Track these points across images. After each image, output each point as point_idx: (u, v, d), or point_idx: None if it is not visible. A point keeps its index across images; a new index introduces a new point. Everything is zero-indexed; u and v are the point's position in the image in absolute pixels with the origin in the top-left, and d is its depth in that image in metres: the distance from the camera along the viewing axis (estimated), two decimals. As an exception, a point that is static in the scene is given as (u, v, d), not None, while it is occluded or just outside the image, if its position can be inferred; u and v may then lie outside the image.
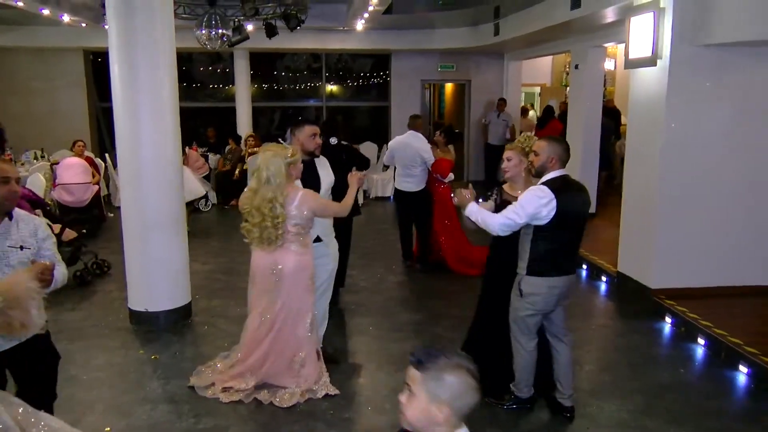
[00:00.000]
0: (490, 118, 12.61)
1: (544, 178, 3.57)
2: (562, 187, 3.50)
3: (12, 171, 2.86)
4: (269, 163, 3.84)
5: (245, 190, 4.08)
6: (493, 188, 4.12)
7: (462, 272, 6.86)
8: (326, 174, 4.53)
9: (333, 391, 4.15)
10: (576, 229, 3.65)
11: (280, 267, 4.01)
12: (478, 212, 3.63)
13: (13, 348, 2.82)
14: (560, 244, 3.58)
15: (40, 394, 2.96)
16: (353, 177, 4.29)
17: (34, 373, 2.96)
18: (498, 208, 3.81)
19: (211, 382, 4.18)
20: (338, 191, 4.44)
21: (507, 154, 3.96)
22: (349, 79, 14.60)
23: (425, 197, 7.07)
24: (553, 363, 3.86)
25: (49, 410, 2.99)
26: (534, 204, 3.44)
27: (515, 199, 3.67)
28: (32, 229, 2.90)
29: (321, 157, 4.57)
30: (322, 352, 4.37)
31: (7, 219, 2.84)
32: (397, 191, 7.30)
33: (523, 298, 3.65)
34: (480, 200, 3.95)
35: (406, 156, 6.94)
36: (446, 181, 7.04)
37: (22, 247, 2.82)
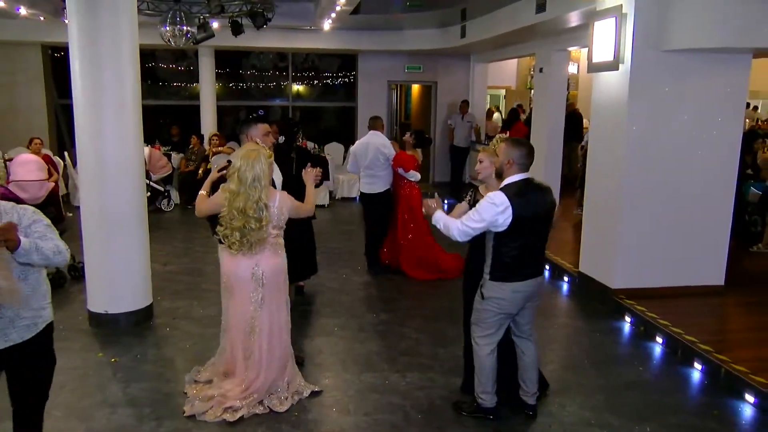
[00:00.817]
0: (455, 120, 12.71)
1: (503, 183, 3.57)
2: (519, 193, 3.48)
3: None
4: (254, 164, 3.71)
5: (219, 192, 3.89)
6: (468, 190, 4.12)
7: (412, 275, 6.86)
8: (276, 172, 4.47)
9: (315, 387, 4.19)
10: (538, 232, 3.63)
11: (261, 271, 3.90)
12: (442, 218, 3.65)
13: (9, 348, 2.76)
14: (522, 249, 3.55)
15: (30, 396, 2.92)
16: (308, 174, 4.25)
17: (27, 375, 2.90)
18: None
19: (209, 407, 3.90)
20: (291, 191, 4.29)
21: (480, 156, 3.99)
22: (315, 78, 14.53)
23: (389, 199, 7.09)
24: (518, 362, 3.86)
25: (40, 412, 2.97)
26: (490, 212, 3.44)
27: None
28: (16, 220, 2.72)
29: None
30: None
31: None
32: (361, 194, 7.34)
33: (484, 301, 3.64)
34: (459, 202, 3.97)
35: (369, 156, 6.97)
36: (411, 179, 7.00)
37: None
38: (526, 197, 3.51)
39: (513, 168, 3.55)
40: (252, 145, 3.94)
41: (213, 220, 3.99)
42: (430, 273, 6.86)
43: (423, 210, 3.78)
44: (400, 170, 6.93)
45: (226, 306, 4.12)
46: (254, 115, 4.42)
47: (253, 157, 3.73)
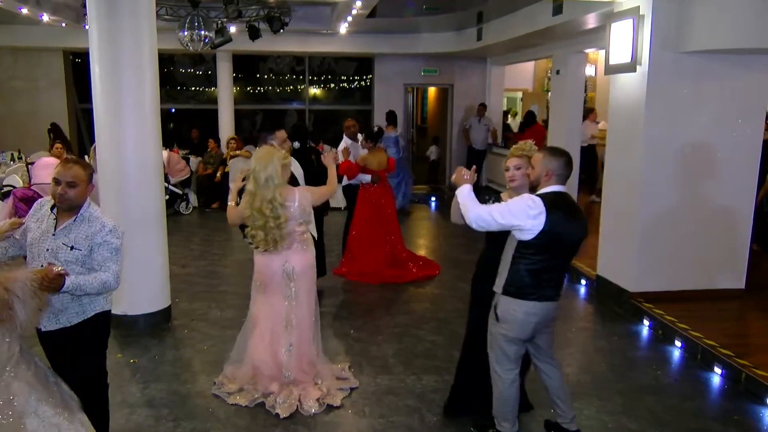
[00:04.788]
0: (472, 122, 12.70)
1: (538, 192, 3.27)
2: (556, 205, 3.17)
3: (64, 173, 2.91)
4: (267, 165, 3.88)
5: (242, 197, 4.03)
6: (489, 196, 3.75)
7: (335, 272, 6.93)
8: (297, 168, 4.75)
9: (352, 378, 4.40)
10: (566, 255, 3.34)
11: (291, 267, 4.07)
12: (466, 194, 3.29)
13: (60, 330, 2.99)
14: (544, 267, 3.24)
15: (75, 375, 3.03)
16: (327, 157, 4.41)
17: (75, 356, 3.07)
18: None
19: (296, 402, 4.02)
20: (316, 182, 4.70)
21: (515, 161, 3.53)
22: (332, 82, 14.60)
23: (348, 194, 7.34)
24: (546, 386, 3.59)
25: (99, 397, 3.18)
26: (522, 212, 3.12)
27: None
28: (92, 232, 2.97)
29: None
30: None
31: (73, 219, 2.97)
32: None
33: (498, 324, 3.35)
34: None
35: None
36: (363, 182, 7.05)
37: (72, 248, 2.93)
38: (563, 214, 3.19)
39: (551, 179, 3.26)
40: (266, 148, 4.10)
41: (244, 226, 4.13)
42: (347, 272, 6.92)
43: (453, 177, 3.40)
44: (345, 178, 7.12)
45: (256, 304, 4.21)
46: (267, 124, 4.68)
47: (266, 159, 3.91)
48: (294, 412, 3.94)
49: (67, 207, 2.96)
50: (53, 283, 2.67)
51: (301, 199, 4.02)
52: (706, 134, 5.69)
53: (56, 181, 2.92)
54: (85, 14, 5.35)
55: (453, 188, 3.42)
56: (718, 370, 4.57)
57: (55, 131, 9.89)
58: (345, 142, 7.33)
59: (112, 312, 5.29)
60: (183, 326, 5.41)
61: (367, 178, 7.02)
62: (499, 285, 3.35)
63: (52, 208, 3.02)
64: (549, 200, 3.18)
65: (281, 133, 4.54)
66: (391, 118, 11.48)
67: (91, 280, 2.87)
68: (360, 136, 7.45)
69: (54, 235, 2.96)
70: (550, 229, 3.14)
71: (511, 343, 3.37)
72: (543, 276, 3.27)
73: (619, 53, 5.78)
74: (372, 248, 6.97)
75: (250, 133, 14.29)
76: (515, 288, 3.27)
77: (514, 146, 3.65)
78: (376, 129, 7.64)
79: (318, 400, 4.03)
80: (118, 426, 3.78)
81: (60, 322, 3.00)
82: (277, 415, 3.90)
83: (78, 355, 3.10)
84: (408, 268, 7.06)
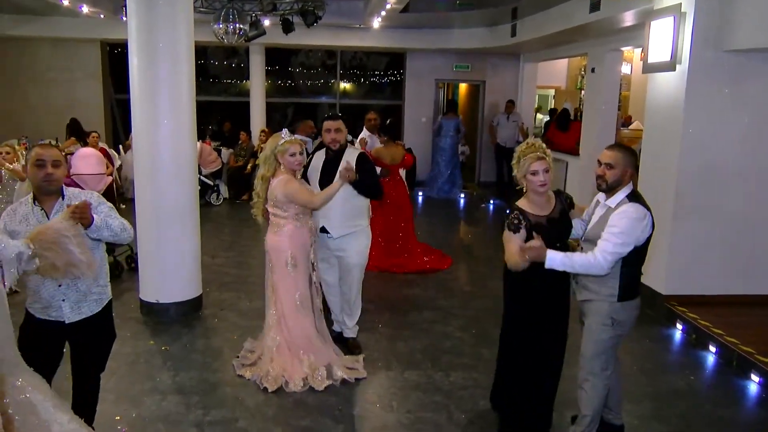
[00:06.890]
0: (500, 119, 12.59)
1: (621, 194, 3.22)
2: (647, 205, 3.20)
3: (47, 154, 2.93)
4: (266, 147, 4.39)
5: None
6: (511, 214, 3.34)
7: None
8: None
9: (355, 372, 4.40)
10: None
11: (266, 243, 4.39)
12: (563, 258, 3.12)
13: (80, 321, 3.04)
14: (641, 262, 3.31)
15: (91, 367, 3.21)
16: (343, 172, 4.24)
17: (93, 347, 3.18)
18: (530, 234, 3.26)
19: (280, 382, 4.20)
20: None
21: (544, 164, 3.29)
22: (363, 77, 14.59)
23: None
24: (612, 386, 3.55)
25: (96, 381, 3.28)
26: (638, 228, 3.11)
27: (542, 218, 3.31)
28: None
29: (355, 149, 4.71)
30: (351, 341, 4.82)
31: (60, 199, 2.99)
32: None
33: (614, 328, 3.28)
34: (513, 233, 3.30)
35: None
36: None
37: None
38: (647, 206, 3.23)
39: (629, 178, 3.23)
40: (275, 134, 4.42)
41: None
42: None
43: (526, 256, 3.14)
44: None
45: None
46: (329, 114, 4.59)
47: (268, 141, 4.40)
48: (279, 388, 4.10)
49: (54, 188, 2.95)
50: (83, 211, 2.74)
51: (273, 186, 4.24)
52: (746, 135, 5.54)
53: (40, 164, 2.87)
54: (124, 6, 5.43)
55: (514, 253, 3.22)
56: (755, 377, 4.45)
57: (72, 126, 10.07)
58: (365, 134, 7.38)
59: (144, 299, 5.49)
60: (213, 315, 5.47)
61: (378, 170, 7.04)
62: (611, 294, 3.26)
63: (34, 201, 2.96)
64: (644, 203, 3.20)
65: (328, 123, 4.52)
66: (451, 105, 12.39)
67: (112, 220, 2.96)
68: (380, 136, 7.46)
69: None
70: (653, 225, 3.22)
71: (619, 342, 3.43)
72: (640, 269, 3.36)
73: (658, 51, 5.66)
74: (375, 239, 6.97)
75: (280, 125, 14.36)
76: (630, 291, 3.30)
77: (528, 146, 3.36)
78: (387, 122, 7.60)
79: (304, 379, 4.16)
80: (149, 412, 3.84)
81: (82, 313, 3.05)
82: (272, 390, 4.07)
83: (101, 343, 3.22)
84: (414, 259, 7.04)
